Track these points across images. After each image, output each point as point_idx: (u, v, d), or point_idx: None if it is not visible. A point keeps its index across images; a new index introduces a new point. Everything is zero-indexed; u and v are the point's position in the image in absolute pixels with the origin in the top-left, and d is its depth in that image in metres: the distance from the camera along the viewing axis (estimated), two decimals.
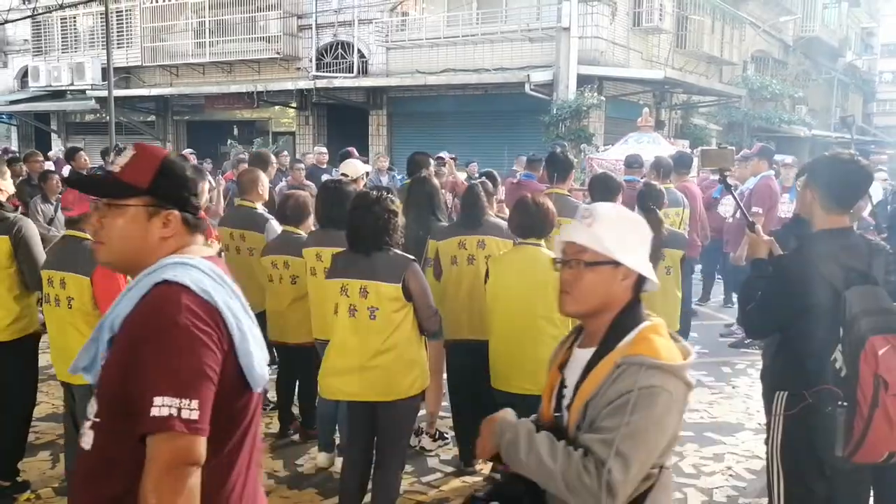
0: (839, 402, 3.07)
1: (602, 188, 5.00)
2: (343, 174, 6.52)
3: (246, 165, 7.50)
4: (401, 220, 4.01)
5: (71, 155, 10.52)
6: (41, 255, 4.58)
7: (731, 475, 5.13)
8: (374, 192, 4.03)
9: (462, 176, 10.91)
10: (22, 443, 4.93)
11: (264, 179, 5.98)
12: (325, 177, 10.25)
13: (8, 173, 4.87)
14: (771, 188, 8.16)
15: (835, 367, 3.10)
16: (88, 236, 4.07)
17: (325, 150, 12.71)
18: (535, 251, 4.29)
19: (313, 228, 5.37)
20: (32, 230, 4.65)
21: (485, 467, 5.09)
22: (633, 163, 8.05)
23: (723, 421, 6.12)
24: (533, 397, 4.19)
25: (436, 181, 5.40)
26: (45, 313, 4.27)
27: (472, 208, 4.90)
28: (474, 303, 4.78)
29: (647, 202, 5.41)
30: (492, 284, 4.34)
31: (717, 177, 10.14)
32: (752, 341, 8.24)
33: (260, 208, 5.88)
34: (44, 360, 7.39)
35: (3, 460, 4.77)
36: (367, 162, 9.76)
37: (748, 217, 3.78)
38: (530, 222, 4.30)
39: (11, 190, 4.91)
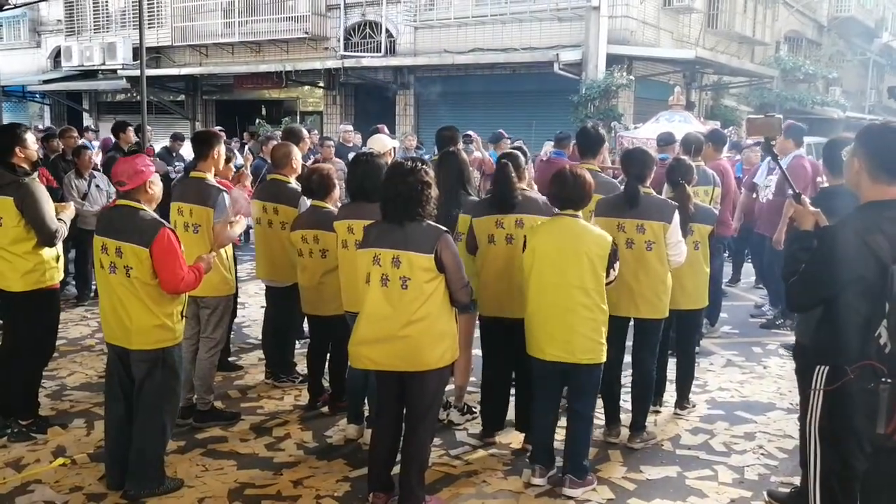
0: (882, 379, 3.01)
1: (637, 163, 4.93)
2: (370, 149, 6.52)
3: (275, 143, 7.53)
4: (434, 191, 3.99)
5: (119, 129, 10.60)
6: (48, 215, 4.94)
7: (762, 454, 5.08)
8: (409, 163, 4.01)
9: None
10: (36, 386, 5.29)
11: (297, 154, 6.01)
12: (351, 155, 10.26)
13: (30, 141, 5.11)
14: (805, 167, 7.96)
15: (879, 343, 3.03)
16: (144, 206, 4.17)
17: (351, 128, 12.74)
18: (572, 222, 4.31)
19: (339, 202, 5.39)
20: (38, 192, 4.96)
21: (514, 441, 5.11)
22: (665, 140, 7.97)
23: (754, 400, 6.07)
24: (566, 364, 4.28)
25: (465, 155, 5.37)
26: (98, 279, 4.33)
27: (504, 187, 4.84)
28: (513, 282, 4.76)
29: (675, 177, 5.37)
30: (528, 254, 4.35)
31: (739, 156, 10.14)
32: (782, 322, 8.16)
33: (293, 182, 5.91)
34: (76, 331, 7.60)
35: (20, 400, 5.13)
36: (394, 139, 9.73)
37: (794, 188, 3.70)
38: (568, 194, 4.31)
39: (33, 157, 5.12)
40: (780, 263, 7.87)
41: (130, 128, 10.64)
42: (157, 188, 4.26)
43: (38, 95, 27.34)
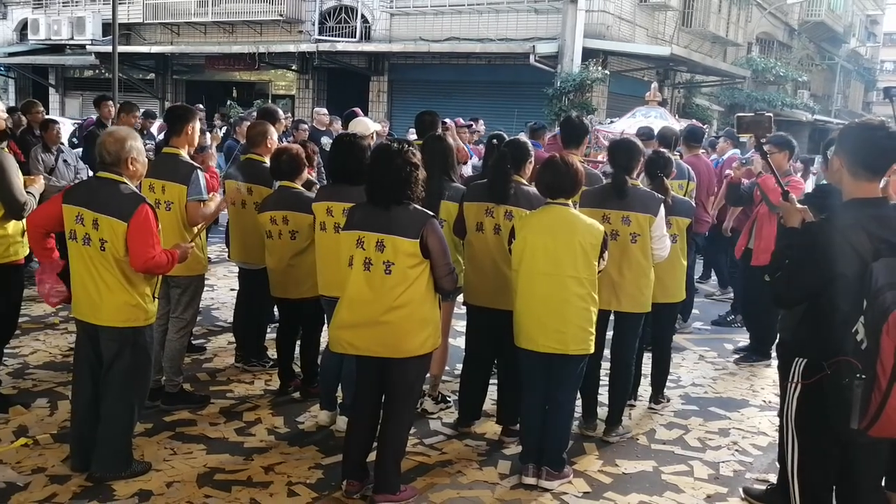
0: (857, 374, 3.00)
1: (625, 154, 4.87)
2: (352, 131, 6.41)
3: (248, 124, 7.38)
4: (422, 173, 3.90)
5: (98, 103, 10.36)
6: (16, 186, 4.76)
7: (737, 450, 5.08)
8: (396, 144, 3.92)
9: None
10: None
11: (274, 133, 5.87)
12: (324, 139, 10.14)
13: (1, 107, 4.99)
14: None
15: (856, 339, 3.03)
16: (125, 180, 4.04)
17: (325, 111, 12.58)
18: (564, 211, 4.22)
19: (308, 179, 5.31)
20: (7, 162, 4.77)
21: (487, 430, 5.05)
22: (644, 135, 7.94)
23: (727, 396, 6.07)
24: (558, 356, 4.21)
25: (451, 141, 5.28)
26: (70, 250, 4.13)
27: (498, 177, 4.71)
28: (497, 272, 4.68)
29: (654, 169, 5.29)
30: (518, 244, 4.25)
31: (715, 155, 10.21)
32: (733, 318, 8.20)
33: (268, 162, 5.77)
34: (39, 309, 7.39)
35: None
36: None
37: (783, 186, 3.69)
38: (559, 182, 4.22)
39: (2, 127, 5.00)
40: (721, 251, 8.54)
41: (109, 102, 10.45)
42: (139, 165, 4.12)
43: (2, 68, 26.74)
